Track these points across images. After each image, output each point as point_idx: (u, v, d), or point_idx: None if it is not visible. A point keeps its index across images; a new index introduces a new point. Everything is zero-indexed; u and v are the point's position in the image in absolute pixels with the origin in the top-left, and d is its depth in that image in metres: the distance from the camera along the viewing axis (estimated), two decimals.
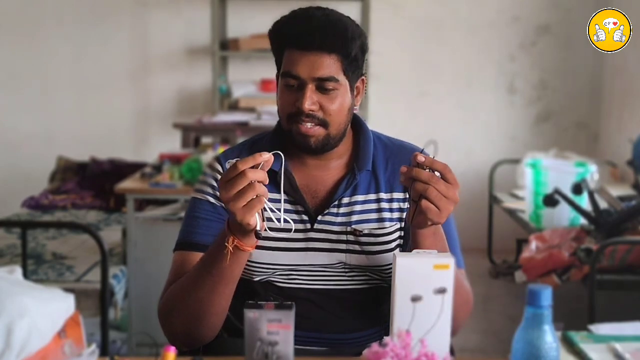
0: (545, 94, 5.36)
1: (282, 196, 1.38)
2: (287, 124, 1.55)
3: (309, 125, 1.51)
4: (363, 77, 1.59)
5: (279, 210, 1.35)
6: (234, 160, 1.33)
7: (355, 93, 1.58)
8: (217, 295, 1.43)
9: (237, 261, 1.40)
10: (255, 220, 1.32)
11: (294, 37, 1.50)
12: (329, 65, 1.50)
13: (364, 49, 1.55)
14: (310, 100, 1.50)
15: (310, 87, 1.50)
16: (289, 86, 1.52)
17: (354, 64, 1.54)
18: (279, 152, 1.34)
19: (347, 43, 1.50)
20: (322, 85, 1.51)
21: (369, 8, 4.83)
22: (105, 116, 5.32)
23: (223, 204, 1.33)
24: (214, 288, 1.43)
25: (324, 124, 1.52)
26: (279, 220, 1.35)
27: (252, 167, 1.31)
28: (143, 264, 3.33)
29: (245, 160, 1.31)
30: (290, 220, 1.42)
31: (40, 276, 3.04)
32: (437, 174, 1.37)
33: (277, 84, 1.59)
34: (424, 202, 1.36)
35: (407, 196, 1.60)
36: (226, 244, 1.36)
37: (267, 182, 1.32)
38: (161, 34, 5.27)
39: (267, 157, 1.32)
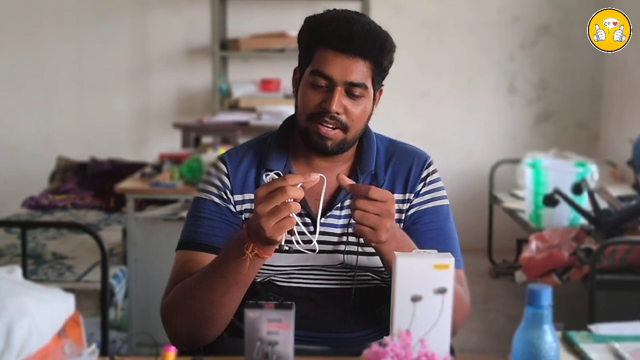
0: (545, 94, 5.36)
1: (318, 222, 1.41)
2: (305, 122, 1.54)
3: (330, 127, 1.52)
4: (381, 88, 1.61)
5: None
6: (271, 175, 1.35)
7: (373, 102, 1.59)
8: (229, 298, 1.44)
9: (254, 267, 1.40)
10: (283, 236, 1.34)
11: (334, 38, 1.50)
12: (362, 72, 1.51)
13: (391, 62, 1.57)
14: (338, 103, 1.51)
15: (340, 90, 1.51)
16: (317, 85, 1.52)
17: (382, 74, 1.56)
18: (322, 175, 1.37)
19: (383, 54, 1.53)
20: (352, 90, 1.51)
21: (369, 8, 4.83)
22: (105, 116, 5.32)
23: (257, 213, 1.33)
24: (227, 291, 1.43)
25: (344, 128, 1.53)
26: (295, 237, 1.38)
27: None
28: (143, 264, 3.33)
29: (294, 176, 1.33)
30: (316, 243, 1.42)
31: (40, 276, 3.04)
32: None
33: (296, 79, 1.59)
34: (357, 226, 1.39)
35: (407, 197, 1.61)
36: (246, 250, 1.36)
37: (301, 198, 1.33)
38: (161, 34, 5.27)
39: (316, 178, 1.35)
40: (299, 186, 1.33)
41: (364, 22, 1.53)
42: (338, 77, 1.50)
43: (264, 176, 1.44)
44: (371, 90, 1.54)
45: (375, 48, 1.51)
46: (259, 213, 1.32)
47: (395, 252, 1.29)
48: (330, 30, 1.51)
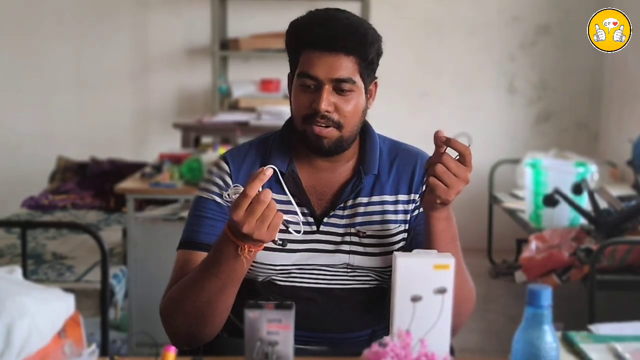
0: (545, 94, 5.36)
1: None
2: (301, 125, 1.55)
3: (323, 126, 1.52)
4: (376, 81, 1.60)
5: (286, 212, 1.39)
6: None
7: (368, 96, 1.58)
8: (225, 295, 1.44)
9: (249, 262, 1.41)
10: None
11: (314, 38, 1.50)
12: (347, 67, 1.51)
13: (379, 53, 1.56)
14: (327, 102, 1.51)
15: (327, 88, 1.51)
16: (306, 87, 1.52)
17: (370, 67, 1.55)
18: (272, 166, 1.37)
19: (366, 47, 1.52)
20: (339, 87, 1.51)
21: (368, 8, 4.83)
22: (105, 116, 5.32)
23: (244, 233, 1.34)
24: (222, 289, 1.43)
25: (338, 126, 1.53)
26: (291, 227, 1.39)
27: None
28: (143, 264, 3.33)
29: (252, 184, 1.33)
30: (300, 222, 1.44)
31: (40, 276, 3.04)
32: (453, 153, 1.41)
33: (290, 84, 1.59)
34: (432, 179, 1.40)
35: (412, 198, 1.62)
36: (240, 253, 1.37)
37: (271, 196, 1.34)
38: (161, 34, 5.27)
39: (270, 173, 1.35)
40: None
41: (343, 18, 1.52)
42: (323, 76, 1.50)
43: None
44: (361, 84, 1.54)
45: (357, 42, 1.50)
46: (248, 233, 1.33)
47: (395, 252, 1.30)
48: (309, 31, 1.51)
